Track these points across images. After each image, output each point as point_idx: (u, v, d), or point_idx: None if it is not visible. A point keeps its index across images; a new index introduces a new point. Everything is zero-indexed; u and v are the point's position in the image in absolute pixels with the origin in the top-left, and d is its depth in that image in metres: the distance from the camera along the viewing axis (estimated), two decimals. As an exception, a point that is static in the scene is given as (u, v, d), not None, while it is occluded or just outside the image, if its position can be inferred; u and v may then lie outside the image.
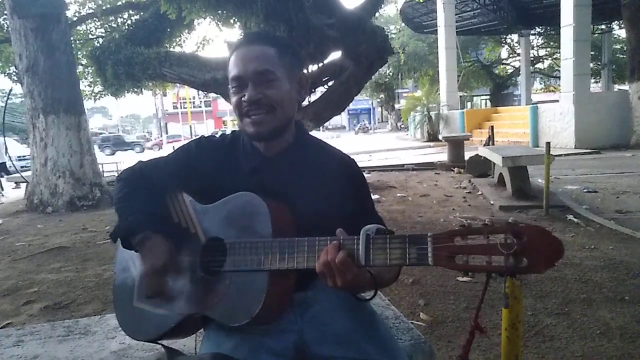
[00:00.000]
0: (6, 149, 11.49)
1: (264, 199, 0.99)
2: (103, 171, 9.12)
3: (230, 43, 5.52)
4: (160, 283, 1.06)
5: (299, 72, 1.12)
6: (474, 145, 10.88)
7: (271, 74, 1.04)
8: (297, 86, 1.11)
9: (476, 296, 2.68)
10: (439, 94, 17.28)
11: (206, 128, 42.31)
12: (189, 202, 1.12)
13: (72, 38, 8.60)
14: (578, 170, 7.70)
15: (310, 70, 6.09)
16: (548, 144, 4.52)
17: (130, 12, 9.90)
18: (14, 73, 9.94)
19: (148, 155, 1.32)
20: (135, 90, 7.25)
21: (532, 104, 15.24)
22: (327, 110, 6.50)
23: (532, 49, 26.63)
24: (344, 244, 0.90)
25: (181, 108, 41.53)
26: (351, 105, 9.70)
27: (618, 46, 25.28)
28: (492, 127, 9.08)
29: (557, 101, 13.77)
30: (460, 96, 23.63)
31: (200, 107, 43.71)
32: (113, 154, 31.36)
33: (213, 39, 10.58)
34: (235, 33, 6.36)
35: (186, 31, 8.78)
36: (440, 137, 13.49)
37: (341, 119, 47.21)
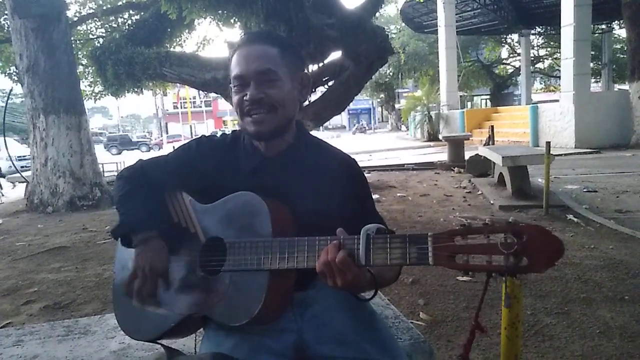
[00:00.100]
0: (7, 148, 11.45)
1: (264, 199, 0.99)
2: (103, 171, 9.12)
3: (231, 43, 5.51)
4: (152, 288, 1.06)
5: (300, 71, 1.12)
6: (474, 145, 10.87)
7: (273, 74, 1.04)
8: (298, 86, 1.11)
9: (476, 295, 2.68)
10: (439, 94, 17.28)
11: (206, 128, 42.31)
12: (188, 202, 1.12)
13: (72, 38, 8.60)
14: (578, 170, 7.70)
15: (310, 70, 6.09)
16: (548, 143, 4.52)
17: (131, 12, 9.89)
18: (14, 73, 9.93)
19: (150, 155, 1.32)
20: (136, 90, 7.25)
21: (532, 103, 15.24)
22: (327, 110, 6.50)
23: (533, 48, 26.64)
24: (344, 243, 0.90)
25: (181, 108, 41.52)
26: (351, 105, 9.70)
27: (618, 46, 25.27)
28: (492, 126, 9.08)
29: (557, 101, 13.77)
30: (461, 96, 23.61)
31: (200, 107, 43.71)
32: (119, 153, 31.45)
33: (213, 39, 10.61)
34: (235, 33, 6.37)
35: (186, 31, 8.78)
36: (440, 136, 13.49)
37: (341, 118, 47.23)
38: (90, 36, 10.84)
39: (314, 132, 1.55)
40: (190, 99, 40.40)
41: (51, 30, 6.83)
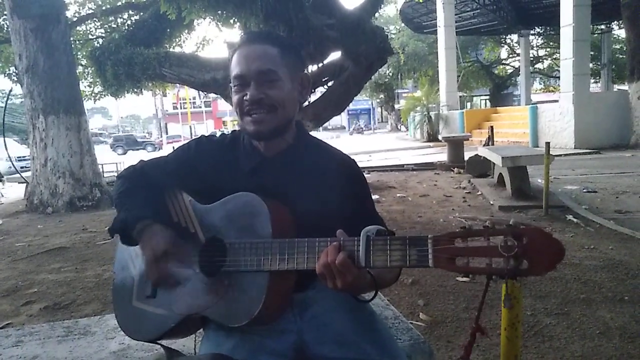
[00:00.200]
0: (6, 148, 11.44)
1: (264, 199, 0.99)
2: (103, 171, 9.12)
3: (231, 43, 5.51)
4: (164, 269, 1.03)
5: (301, 72, 1.12)
6: (474, 145, 10.88)
7: (274, 74, 1.04)
8: (298, 87, 1.11)
9: (476, 296, 2.68)
10: (439, 94, 17.28)
11: (206, 128, 42.26)
12: (188, 202, 1.12)
13: (72, 38, 8.60)
14: (578, 171, 7.70)
15: (310, 71, 6.09)
16: (547, 144, 4.53)
17: (130, 12, 9.89)
18: (14, 73, 9.93)
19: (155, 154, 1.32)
20: (135, 90, 7.24)
21: (532, 104, 15.24)
22: (327, 111, 6.50)
23: (532, 49, 26.64)
24: (344, 245, 0.90)
25: (181, 108, 41.51)
26: (351, 106, 9.71)
27: (618, 46, 25.27)
28: (492, 127, 9.09)
29: (556, 101, 13.77)
30: (460, 96, 23.60)
31: (200, 107, 43.70)
32: (125, 153, 31.41)
33: (213, 40, 10.60)
34: (234, 33, 6.36)
35: (186, 31, 8.77)
36: (439, 137, 13.50)
37: (341, 119, 47.20)
38: (90, 36, 10.84)
39: (313, 133, 1.55)
40: (190, 99, 40.36)
41: (50, 31, 6.83)
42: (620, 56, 23.70)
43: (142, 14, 8.65)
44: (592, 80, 24.73)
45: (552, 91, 32.02)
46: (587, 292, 2.69)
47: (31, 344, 1.44)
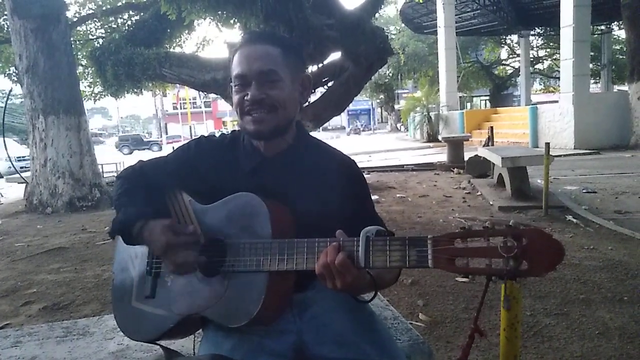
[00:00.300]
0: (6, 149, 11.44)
1: (264, 200, 0.99)
2: (103, 172, 9.11)
3: (231, 43, 5.51)
4: (178, 257, 1.01)
5: (302, 72, 1.12)
6: (474, 145, 10.88)
7: (275, 74, 1.03)
8: (299, 87, 1.11)
9: (475, 296, 2.68)
10: (439, 95, 17.29)
11: (206, 129, 42.25)
12: (188, 202, 1.11)
13: (72, 38, 8.59)
14: (577, 171, 7.71)
15: (310, 71, 6.09)
16: (547, 144, 4.53)
17: (130, 12, 9.89)
18: (14, 73, 9.93)
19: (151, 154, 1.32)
20: (135, 90, 7.25)
21: (532, 104, 15.24)
22: (327, 111, 6.50)
23: (532, 49, 26.65)
24: (343, 245, 0.90)
25: (181, 109, 41.50)
26: (351, 106, 9.71)
27: (618, 47, 25.26)
28: (492, 127, 9.09)
29: (556, 102, 13.78)
30: (460, 97, 23.60)
31: (200, 107, 43.70)
32: (131, 153, 31.39)
33: (213, 40, 10.58)
34: (235, 34, 6.36)
35: (186, 32, 8.77)
36: (439, 137, 13.50)
37: (341, 119, 47.18)
38: (90, 37, 10.83)
39: (313, 133, 1.55)
40: (190, 99, 40.37)
41: (51, 31, 6.83)
42: (620, 57, 23.69)
43: (142, 14, 8.65)
44: (592, 81, 24.74)
45: (552, 92, 32.02)
46: (587, 293, 2.69)
47: (30, 345, 1.44)
